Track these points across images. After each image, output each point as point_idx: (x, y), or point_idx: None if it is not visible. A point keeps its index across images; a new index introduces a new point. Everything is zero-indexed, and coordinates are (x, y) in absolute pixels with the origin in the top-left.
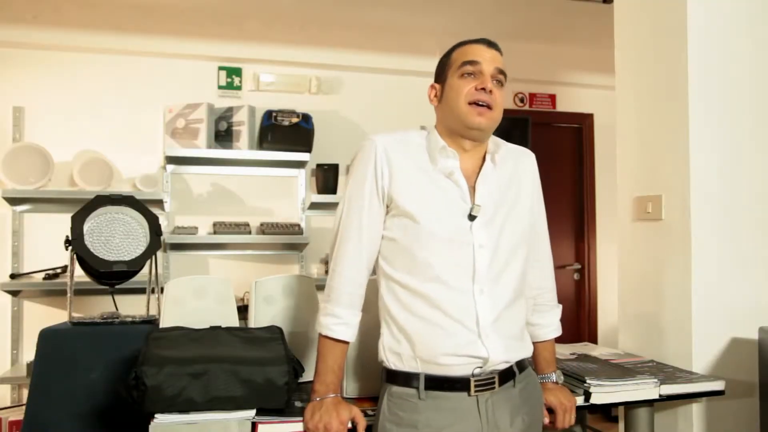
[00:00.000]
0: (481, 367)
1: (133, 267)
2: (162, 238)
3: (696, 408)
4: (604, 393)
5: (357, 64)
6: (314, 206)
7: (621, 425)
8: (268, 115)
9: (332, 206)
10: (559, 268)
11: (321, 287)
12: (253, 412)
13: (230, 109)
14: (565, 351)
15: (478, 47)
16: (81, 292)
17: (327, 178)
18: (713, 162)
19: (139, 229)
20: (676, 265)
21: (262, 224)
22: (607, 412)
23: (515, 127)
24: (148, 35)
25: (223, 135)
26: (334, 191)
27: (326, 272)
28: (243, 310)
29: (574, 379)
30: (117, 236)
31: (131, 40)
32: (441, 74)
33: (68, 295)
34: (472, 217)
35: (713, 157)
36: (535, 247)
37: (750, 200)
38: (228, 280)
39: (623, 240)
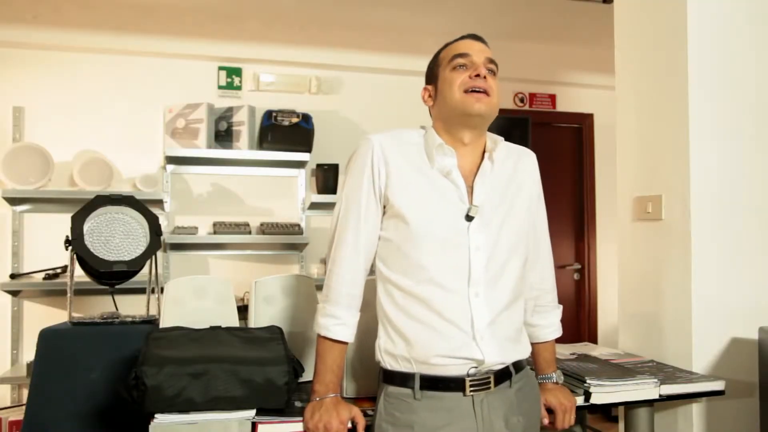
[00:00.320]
0: (476, 368)
1: (133, 267)
2: (162, 238)
3: (696, 408)
4: (604, 393)
5: (357, 64)
6: (314, 206)
7: (621, 425)
8: (268, 115)
9: (332, 206)
10: (559, 268)
11: (321, 287)
12: (253, 412)
13: (230, 109)
14: (565, 351)
15: (464, 42)
16: (81, 292)
17: (327, 178)
18: (713, 162)
19: (139, 229)
20: (676, 265)
21: (262, 224)
22: (607, 412)
23: (515, 127)
24: (148, 35)
25: (223, 135)
26: (334, 191)
27: (326, 272)
28: (243, 310)
29: (574, 379)
30: (117, 236)
31: (131, 40)
32: (431, 75)
33: (68, 295)
34: (469, 218)
35: (713, 157)
36: (535, 247)
37: (750, 200)
38: (228, 280)
39: (623, 240)
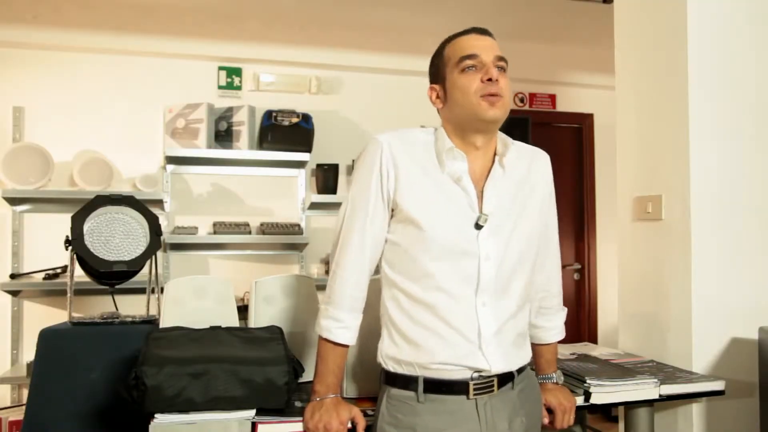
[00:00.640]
0: (480, 372)
1: (133, 267)
2: (162, 238)
3: (696, 408)
4: (604, 393)
5: (357, 64)
6: (314, 206)
7: (621, 425)
8: (268, 115)
9: (332, 206)
10: None
11: (321, 287)
12: (253, 412)
13: (230, 109)
14: (565, 351)
15: (470, 38)
16: (81, 292)
17: (327, 178)
18: (713, 162)
19: (139, 229)
20: (676, 265)
21: (262, 224)
22: (607, 412)
23: (515, 127)
24: (148, 35)
25: (223, 135)
26: (334, 191)
27: (326, 272)
28: (243, 310)
29: (574, 379)
30: (117, 236)
31: (131, 40)
32: (437, 74)
33: (68, 295)
34: (478, 226)
35: (713, 157)
36: (544, 248)
37: (750, 200)
38: (228, 280)
39: (623, 240)
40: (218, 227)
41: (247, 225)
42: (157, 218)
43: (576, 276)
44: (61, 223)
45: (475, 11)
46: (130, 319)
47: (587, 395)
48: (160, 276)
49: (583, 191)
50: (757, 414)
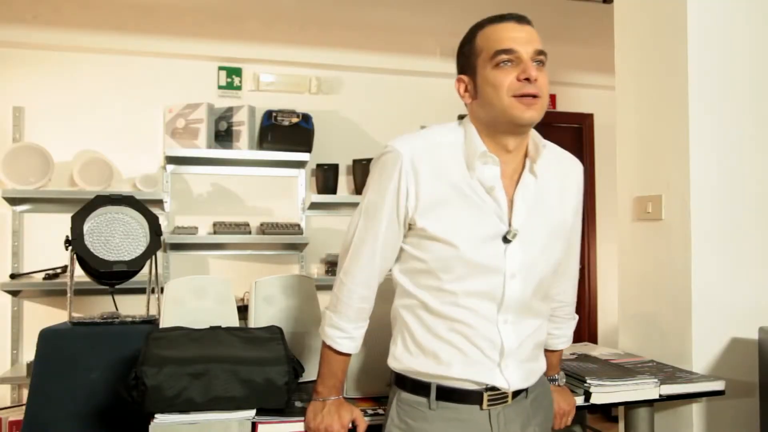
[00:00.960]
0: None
1: (133, 267)
2: (162, 238)
3: (696, 408)
4: (604, 393)
5: (357, 64)
6: (314, 206)
7: (621, 425)
8: (268, 115)
9: (332, 206)
10: None
11: (321, 287)
12: (253, 412)
13: (230, 109)
14: (565, 351)
15: (507, 28)
16: (81, 292)
17: (327, 178)
18: (713, 162)
19: (139, 229)
20: (676, 265)
21: (262, 224)
22: (607, 412)
23: None
24: (148, 35)
25: (223, 135)
26: (334, 191)
27: (326, 272)
28: (243, 310)
29: (575, 379)
30: (117, 236)
31: (131, 40)
32: (467, 65)
33: (68, 295)
34: (507, 240)
35: (713, 157)
36: (565, 261)
37: (750, 200)
38: (228, 280)
39: (623, 240)
40: (218, 227)
41: (247, 225)
42: (157, 218)
43: None
44: (61, 223)
45: (475, 11)
46: (130, 319)
47: (587, 395)
48: (160, 276)
49: (583, 191)
50: (757, 414)
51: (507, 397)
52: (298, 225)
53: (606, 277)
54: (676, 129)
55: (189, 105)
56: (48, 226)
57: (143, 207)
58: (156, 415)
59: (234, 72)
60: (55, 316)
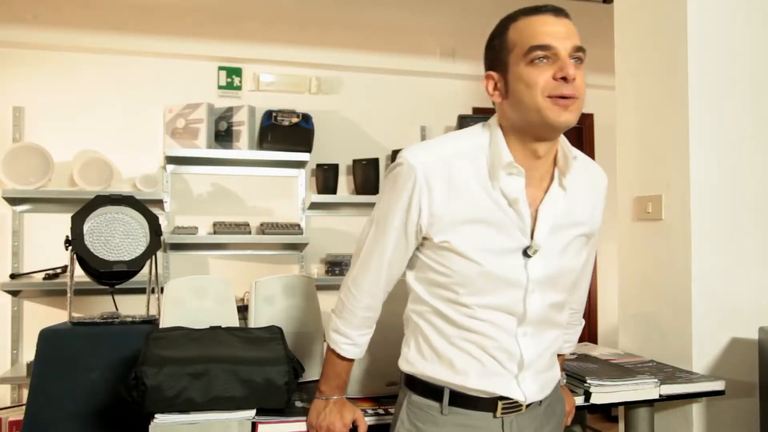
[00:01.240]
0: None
1: (133, 267)
2: (162, 238)
3: (696, 408)
4: (604, 393)
5: (357, 64)
6: (314, 206)
7: (621, 425)
8: (268, 115)
9: (332, 206)
10: None
11: (321, 287)
12: (253, 412)
13: (230, 109)
14: None
15: (544, 22)
16: (81, 292)
17: (327, 178)
18: (713, 162)
19: (139, 229)
20: (676, 265)
21: (262, 224)
22: (607, 412)
23: None
24: (148, 35)
25: (223, 135)
26: (334, 191)
27: (326, 272)
28: (243, 310)
29: (575, 379)
30: (117, 236)
31: (131, 40)
32: (497, 60)
33: (68, 295)
34: (527, 255)
35: (713, 157)
36: (581, 271)
37: (750, 200)
38: (228, 280)
39: (623, 240)
40: (218, 227)
41: (247, 225)
42: (157, 218)
43: None
44: (61, 223)
45: (475, 11)
46: (130, 319)
47: (587, 395)
48: (160, 276)
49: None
50: (757, 414)
51: (521, 406)
52: (298, 225)
53: (606, 277)
54: (676, 129)
55: (189, 105)
56: (48, 226)
57: (143, 207)
58: (156, 415)
59: (234, 72)
60: (55, 316)
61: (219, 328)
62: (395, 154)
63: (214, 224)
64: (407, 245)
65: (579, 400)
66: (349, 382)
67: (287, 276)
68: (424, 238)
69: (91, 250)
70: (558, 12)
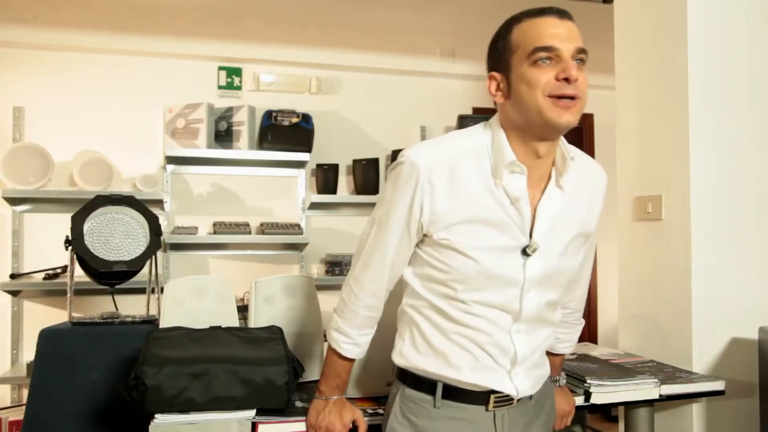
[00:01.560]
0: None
1: (133, 267)
2: (162, 238)
3: (696, 408)
4: (604, 393)
5: (357, 64)
6: (314, 206)
7: (621, 425)
8: (268, 115)
9: (332, 206)
10: None
11: (321, 287)
12: (253, 412)
13: (230, 109)
14: None
15: (547, 23)
16: (81, 292)
17: (327, 178)
18: (713, 162)
19: (139, 229)
20: (676, 265)
21: (262, 224)
22: (607, 412)
23: None
24: (148, 35)
25: (223, 135)
26: (334, 191)
27: (326, 272)
28: (243, 310)
29: (575, 379)
30: (117, 236)
31: (131, 40)
32: (500, 61)
33: (68, 295)
34: (526, 254)
35: (713, 157)
36: (579, 269)
37: (750, 200)
38: (228, 280)
39: (623, 240)
40: (218, 227)
41: (247, 225)
42: (157, 218)
43: None
44: (61, 223)
45: (475, 11)
46: (130, 319)
47: (587, 395)
48: (160, 276)
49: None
50: (757, 414)
51: (512, 400)
52: (298, 225)
53: (606, 277)
54: (676, 129)
55: (189, 105)
56: (48, 226)
57: (143, 207)
58: (156, 415)
59: (234, 72)
60: (55, 316)
61: (219, 328)
62: (395, 154)
63: (214, 224)
64: (409, 243)
65: (579, 400)
66: (349, 383)
67: (287, 276)
68: (424, 235)
69: (91, 250)
70: (562, 14)
